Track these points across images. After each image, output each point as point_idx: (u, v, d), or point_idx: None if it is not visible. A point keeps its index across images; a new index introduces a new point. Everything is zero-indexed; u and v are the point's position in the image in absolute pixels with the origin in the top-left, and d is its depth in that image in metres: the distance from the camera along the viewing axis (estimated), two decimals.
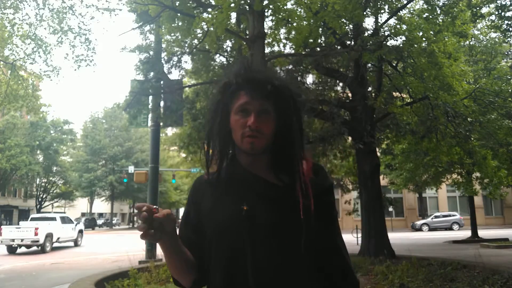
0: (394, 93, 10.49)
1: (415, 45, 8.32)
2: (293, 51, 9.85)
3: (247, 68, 1.21)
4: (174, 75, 19.68)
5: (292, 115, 1.16)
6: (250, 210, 1.08)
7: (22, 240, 16.68)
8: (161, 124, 11.42)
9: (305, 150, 1.18)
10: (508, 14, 9.30)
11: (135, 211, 0.99)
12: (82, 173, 44.52)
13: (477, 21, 11.03)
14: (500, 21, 9.66)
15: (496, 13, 9.79)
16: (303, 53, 9.13)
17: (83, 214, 60.93)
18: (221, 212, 1.12)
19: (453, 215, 28.70)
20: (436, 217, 28.45)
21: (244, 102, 1.14)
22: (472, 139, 10.67)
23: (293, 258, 1.05)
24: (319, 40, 9.24)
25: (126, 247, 15.01)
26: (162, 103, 10.87)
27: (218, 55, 11.46)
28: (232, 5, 6.40)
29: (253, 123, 1.11)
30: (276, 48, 10.48)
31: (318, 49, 9.66)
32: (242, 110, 1.15)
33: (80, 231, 21.00)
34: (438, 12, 8.67)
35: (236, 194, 1.12)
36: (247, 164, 1.17)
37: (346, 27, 7.62)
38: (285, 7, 7.55)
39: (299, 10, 9.35)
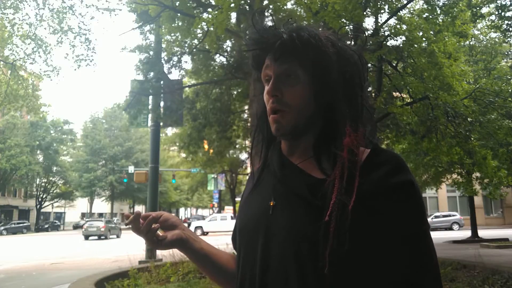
0: (394, 93, 10.48)
1: (415, 45, 8.31)
2: None
3: (262, 27, 0.90)
4: (174, 75, 19.69)
5: (332, 74, 0.84)
6: (274, 208, 0.85)
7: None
8: (161, 124, 11.42)
9: (359, 128, 0.83)
10: (508, 14, 9.30)
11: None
12: (82, 173, 44.55)
13: (477, 21, 11.01)
14: (500, 21, 9.66)
15: (496, 13, 9.78)
16: None
17: (83, 214, 60.96)
18: (248, 209, 0.94)
19: (453, 215, 28.71)
20: (436, 217, 28.46)
21: (264, 66, 0.90)
22: (472, 139, 10.65)
23: (311, 277, 0.75)
24: None
25: (126, 247, 15.02)
26: (162, 103, 10.88)
27: (218, 55, 11.46)
28: (232, 5, 6.40)
29: (269, 89, 0.86)
30: None
31: None
32: (266, 79, 0.90)
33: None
34: (438, 12, 8.66)
35: (268, 188, 0.89)
36: (287, 151, 0.92)
37: (346, 27, 7.63)
38: (285, 7, 7.55)
39: (299, 10, 9.36)
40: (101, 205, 56.58)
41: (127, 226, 0.91)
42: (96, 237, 27.84)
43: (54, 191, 48.50)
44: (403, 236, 0.75)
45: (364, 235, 0.74)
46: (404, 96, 10.33)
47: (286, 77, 0.86)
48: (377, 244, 0.74)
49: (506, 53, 17.24)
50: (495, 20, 10.14)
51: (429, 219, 24.83)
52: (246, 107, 13.56)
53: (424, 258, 0.75)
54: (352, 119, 0.84)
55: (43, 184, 46.95)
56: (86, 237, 27.65)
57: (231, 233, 1.05)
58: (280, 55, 0.86)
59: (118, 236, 29.87)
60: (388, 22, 9.03)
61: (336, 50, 0.86)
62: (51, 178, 47.01)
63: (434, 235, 22.12)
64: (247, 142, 17.06)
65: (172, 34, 9.27)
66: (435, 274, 0.76)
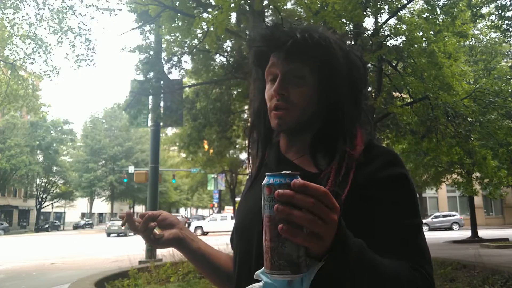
0: (394, 93, 10.48)
1: (415, 45, 8.32)
2: None
3: (269, 26, 0.92)
4: (174, 75, 19.67)
5: (338, 75, 0.86)
6: None
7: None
8: (161, 124, 11.42)
9: (361, 128, 0.87)
10: (508, 14, 9.30)
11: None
12: (82, 173, 44.52)
13: (477, 21, 11.02)
14: (500, 21, 9.66)
15: (496, 13, 9.79)
16: None
17: (83, 214, 60.97)
18: (245, 207, 0.95)
19: (453, 215, 28.69)
20: (436, 217, 28.45)
21: (270, 64, 0.90)
22: (472, 139, 10.66)
23: None
24: None
25: (126, 247, 15.02)
26: (162, 103, 10.88)
27: (218, 55, 11.46)
28: (232, 5, 6.40)
29: (276, 87, 0.86)
30: None
31: None
32: (271, 78, 0.90)
33: None
34: (438, 12, 8.67)
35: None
36: (284, 148, 0.94)
37: (346, 27, 7.62)
38: (285, 7, 7.55)
39: (299, 10, 9.37)
40: (101, 205, 56.57)
41: (123, 226, 0.91)
42: (115, 235, 30.85)
43: (54, 191, 48.47)
44: (396, 226, 0.76)
45: (357, 226, 0.73)
46: (404, 96, 10.33)
47: (293, 77, 0.87)
48: (370, 234, 0.74)
49: (506, 53, 17.23)
50: (495, 20, 10.15)
51: (429, 219, 24.65)
52: (246, 107, 13.56)
53: (417, 248, 0.77)
54: (357, 120, 0.87)
55: (43, 184, 46.92)
56: (108, 235, 30.82)
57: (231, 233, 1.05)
58: (290, 53, 0.86)
59: (135, 234, 31.36)
60: (388, 22, 9.04)
61: (344, 54, 0.88)
62: (51, 178, 46.97)
63: (434, 235, 22.05)
64: (247, 142, 17.04)
65: (172, 34, 9.27)
66: (428, 261, 0.77)
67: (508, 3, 9.44)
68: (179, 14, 8.03)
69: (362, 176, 0.79)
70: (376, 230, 0.75)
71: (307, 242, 0.59)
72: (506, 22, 9.43)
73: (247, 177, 1.07)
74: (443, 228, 27.43)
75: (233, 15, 9.06)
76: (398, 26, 8.71)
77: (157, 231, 0.95)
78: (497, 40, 15.52)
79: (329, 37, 0.87)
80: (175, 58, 10.74)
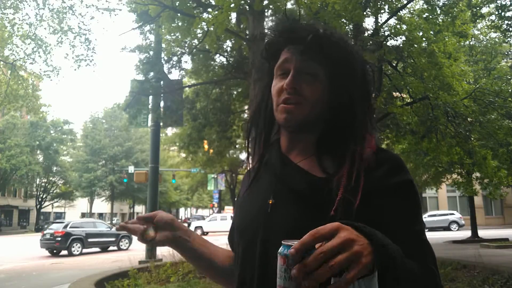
0: (394, 93, 10.48)
1: (415, 45, 8.32)
2: None
3: (289, 19, 0.91)
4: (174, 75, 19.64)
5: (354, 79, 0.85)
6: (273, 206, 0.85)
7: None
8: (161, 124, 11.42)
9: (369, 131, 0.85)
10: (508, 14, 9.30)
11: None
12: (82, 173, 44.49)
13: (477, 21, 11.02)
14: (500, 21, 9.66)
15: (496, 13, 9.78)
16: None
17: (83, 214, 60.95)
18: (246, 207, 0.94)
19: (451, 214, 28.63)
20: (433, 215, 28.40)
21: (283, 59, 0.88)
22: (472, 139, 10.65)
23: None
24: None
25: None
26: (162, 103, 10.87)
27: (218, 55, 11.46)
28: (232, 5, 6.39)
29: (289, 82, 0.84)
30: None
31: None
32: (282, 72, 0.88)
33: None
34: (438, 12, 8.67)
35: (266, 186, 0.89)
36: (286, 148, 0.92)
37: (346, 27, 7.61)
38: (285, 7, 7.54)
39: (299, 10, 9.35)
40: (101, 205, 56.52)
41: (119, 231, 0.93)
42: None
43: (54, 191, 48.43)
44: (404, 233, 0.76)
45: None
46: (404, 96, 10.32)
47: (306, 73, 0.86)
48: None
49: (506, 53, 17.22)
50: (495, 20, 10.14)
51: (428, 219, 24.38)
52: (246, 107, 13.55)
53: (424, 252, 0.78)
54: (365, 121, 0.86)
55: (43, 184, 46.89)
56: None
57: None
58: (307, 49, 0.85)
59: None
60: (388, 22, 9.03)
61: (359, 57, 0.88)
62: (51, 178, 46.94)
63: (434, 235, 22.05)
64: (246, 138, 17.04)
65: (172, 34, 9.26)
66: (434, 260, 0.79)
67: (508, 3, 9.44)
68: (179, 14, 8.02)
69: (371, 181, 0.79)
70: None
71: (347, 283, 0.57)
72: (506, 22, 9.43)
73: (244, 175, 1.07)
74: (441, 228, 27.38)
75: (233, 15, 9.06)
76: (398, 26, 8.71)
77: (151, 232, 0.96)
78: (497, 40, 15.51)
79: (347, 39, 0.88)
80: (175, 58, 10.73)
